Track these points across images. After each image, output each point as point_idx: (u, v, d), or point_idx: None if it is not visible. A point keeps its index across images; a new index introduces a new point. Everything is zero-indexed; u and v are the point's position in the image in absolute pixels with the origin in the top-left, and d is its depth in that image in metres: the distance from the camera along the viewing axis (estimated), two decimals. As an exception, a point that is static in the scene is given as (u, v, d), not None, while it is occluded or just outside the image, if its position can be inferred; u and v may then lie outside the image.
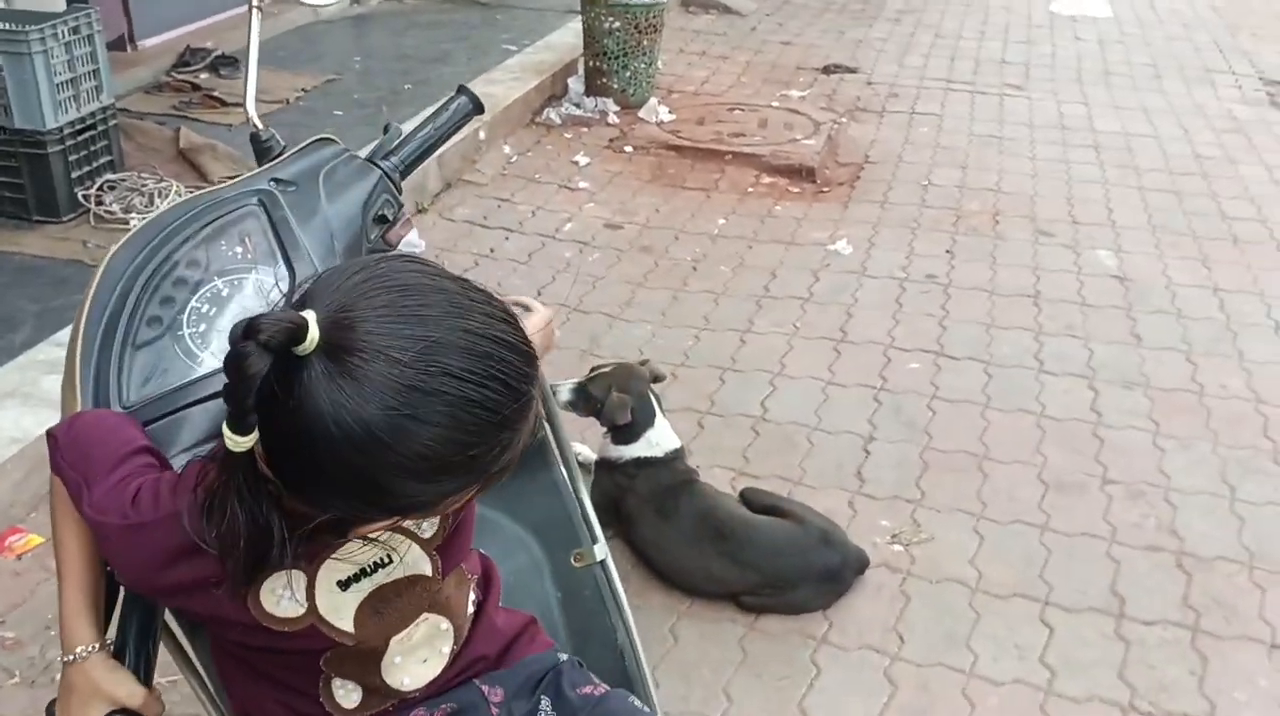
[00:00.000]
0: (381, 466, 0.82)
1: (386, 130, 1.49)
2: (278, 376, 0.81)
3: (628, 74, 5.43)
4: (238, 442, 0.84)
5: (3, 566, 2.40)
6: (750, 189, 4.71)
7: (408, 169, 1.45)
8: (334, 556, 0.99)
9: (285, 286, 1.24)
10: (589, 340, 3.44)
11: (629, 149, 5.05)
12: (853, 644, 2.30)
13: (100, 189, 3.75)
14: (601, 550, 1.60)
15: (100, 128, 3.78)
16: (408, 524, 1.04)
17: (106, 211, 3.68)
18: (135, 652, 1.08)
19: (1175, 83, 6.32)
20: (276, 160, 1.39)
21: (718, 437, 2.98)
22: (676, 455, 2.45)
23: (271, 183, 1.35)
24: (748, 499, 2.53)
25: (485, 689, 1.18)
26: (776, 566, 2.34)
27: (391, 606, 1.05)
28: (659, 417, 2.44)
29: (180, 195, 3.80)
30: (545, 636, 1.31)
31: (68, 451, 1.10)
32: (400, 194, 1.45)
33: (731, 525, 2.37)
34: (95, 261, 3.38)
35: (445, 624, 1.13)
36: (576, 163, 4.86)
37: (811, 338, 3.51)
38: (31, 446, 2.55)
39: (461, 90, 1.48)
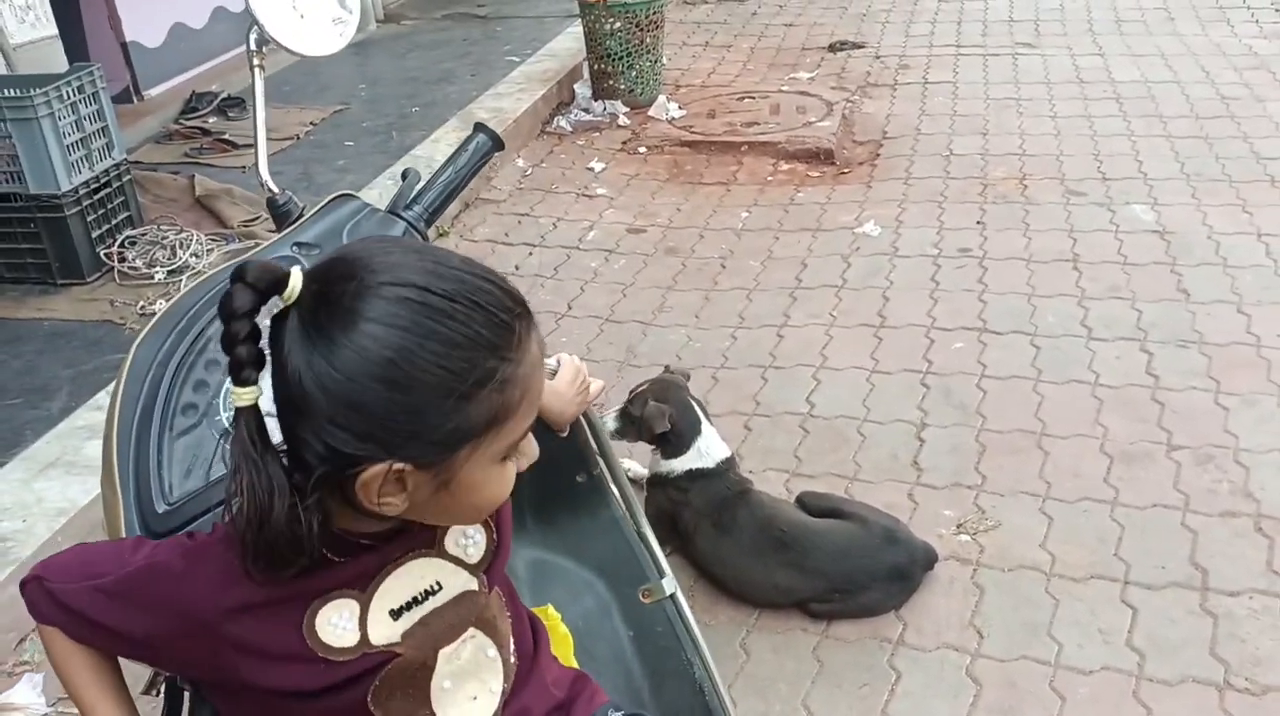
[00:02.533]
0: (375, 395, 0.84)
1: (405, 177, 1.43)
2: (272, 336, 0.87)
3: (634, 73, 5.37)
4: (239, 395, 0.88)
5: (63, 641, 2.38)
6: (770, 178, 4.64)
7: (432, 217, 1.40)
8: (384, 582, 0.98)
9: None
10: (624, 350, 3.39)
11: (643, 149, 4.99)
12: (930, 643, 2.23)
13: (122, 245, 3.73)
14: (670, 583, 1.55)
15: (115, 184, 3.77)
16: (454, 550, 1.03)
17: (130, 267, 3.67)
18: None
19: (1190, 24, 6.18)
20: (296, 224, 1.34)
21: (767, 439, 2.92)
22: (728, 464, 2.40)
23: (294, 248, 1.30)
24: (806, 503, 2.47)
25: None
26: (843, 570, 2.28)
27: (439, 617, 1.02)
28: (705, 425, 2.39)
29: (203, 244, 3.79)
30: (602, 693, 1.25)
31: (63, 572, 1.02)
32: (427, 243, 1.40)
33: (793, 532, 2.31)
34: (124, 320, 3.40)
35: (491, 650, 1.08)
36: (592, 169, 4.80)
37: (850, 326, 3.44)
38: (80, 515, 2.54)
39: (479, 128, 1.43)
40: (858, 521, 2.34)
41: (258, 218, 4.08)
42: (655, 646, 1.53)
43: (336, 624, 0.96)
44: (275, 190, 1.45)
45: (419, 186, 1.41)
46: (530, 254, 4.09)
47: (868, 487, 2.68)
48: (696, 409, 2.40)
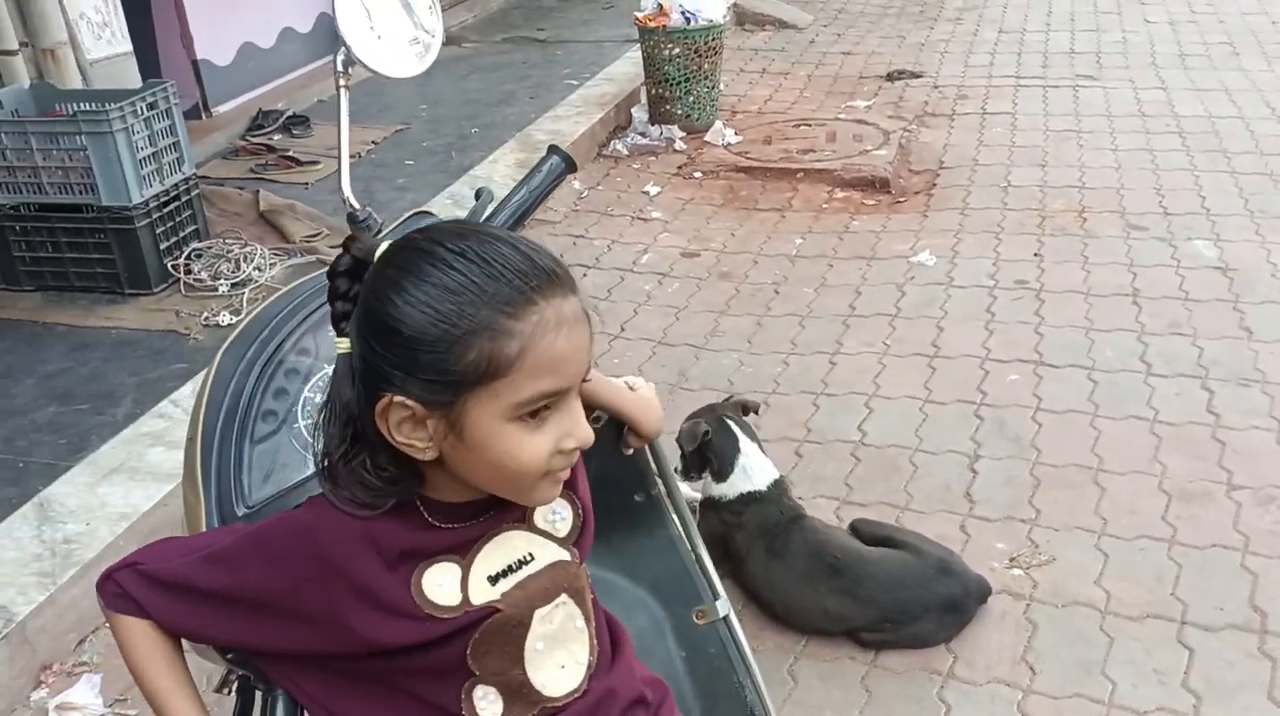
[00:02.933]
0: (378, 329, 0.95)
1: (479, 196, 1.47)
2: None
3: (691, 99, 5.41)
4: (339, 344, 0.99)
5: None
6: (824, 205, 4.64)
7: (508, 234, 1.43)
8: (482, 550, 1.06)
9: None
10: (677, 373, 3.40)
11: (698, 174, 5.02)
12: (981, 677, 2.21)
13: (188, 258, 3.82)
14: (724, 605, 1.56)
15: (184, 198, 3.86)
16: (543, 525, 1.11)
17: (195, 280, 3.76)
18: None
19: (1255, 59, 6.11)
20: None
21: (818, 466, 2.91)
22: (780, 488, 2.39)
23: None
24: (859, 531, 2.46)
25: None
26: (895, 600, 2.26)
27: (534, 581, 1.08)
28: (744, 442, 2.39)
29: (266, 258, 3.87)
30: (675, 708, 1.26)
31: (158, 556, 1.08)
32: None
33: (845, 560, 2.31)
34: (188, 330, 3.48)
35: (580, 621, 1.12)
36: (647, 192, 4.84)
37: (904, 355, 3.42)
38: (141, 520, 2.59)
39: (553, 150, 1.46)
40: (912, 551, 2.33)
41: (319, 233, 4.16)
42: (708, 668, 1.54)
43: (440, 584, 1.03)
44: (356, 206, 1.49)
45: (493, 206, 1.43)
46: (584, 275, 4.12)
47: (919, 518, 2.67)
48: (736, 429, 2.41)
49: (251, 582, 1.02)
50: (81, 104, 3.78)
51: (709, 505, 2.45)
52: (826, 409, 3.17)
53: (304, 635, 1.03)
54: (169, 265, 3.78)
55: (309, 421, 1.17)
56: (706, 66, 5.38)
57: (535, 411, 0.96)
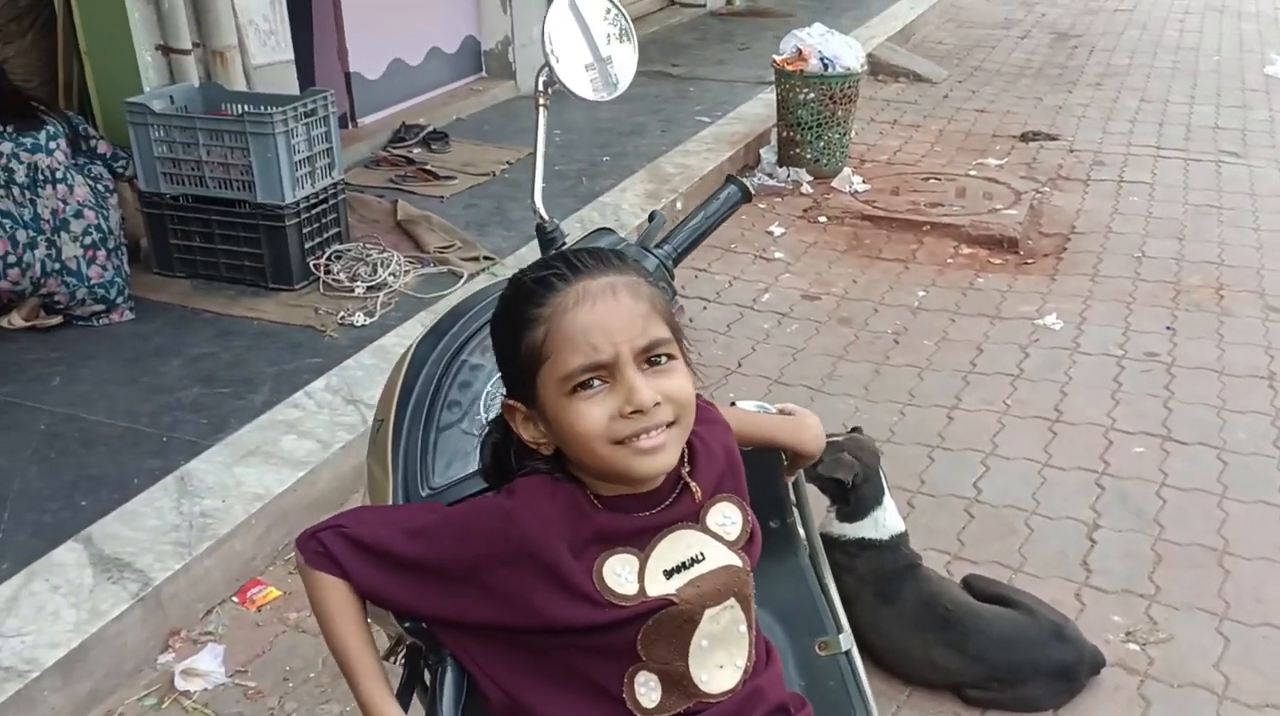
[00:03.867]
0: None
1: (652, 218, 1.53)
2: None
3: (821, 144, 5.44)
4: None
5: (244, 617, 2.54)
6: (949, 260, 4.62)
7: (680, 256, 1.48)
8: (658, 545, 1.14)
9: None
10: (792, 413, 3.41)
11: (823, 219, 5.04)
12: (1089, 749, 2.16)
13: (329, 258, 3.99)
14: (847, 640, 1.56)
15: (331, 201, 4.04)
16: (714, 527, 1.18)
17: (334, 280, 3.92)
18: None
19: None
20: (561, 249, 1.45)
21: (930, 518, 2.89)
22: (901, 540, 2.38)
23: None
24: (972, 586, 2.43)
25: None
26: (1006, 659, 2.23)
27: (707, 580, 1.15)
28: (887, 498, 2.38)
29: (401, 265, 4.02)
30: None
31: (360, 522, 1.17)
32: (673, 280, 1.49)
33: (958, 612, 2.29)
34: (324, 327, 3.62)
35: (743, 626, 1.18)
36: (771, 232, 4.88)
37: (1024, 416, 3.38)
38: (273, 503, 2.71)
39: (731, 179, 1.51)
40: (1026, 612, 2.30)
41: (452, 245, 4.29)
42: (826, 700, 1.54)
43: (620, 573, 1.11)
44: (545, 218, 1.57)
45: (667, 228, 1.49)
46: (704, 308, 4.17)
47: (1033, 582, 2.62)
48: (883, 480, 2.40)
49: (448, 556, 1.11)
50: (244, 105, 3.99)
51: (824, 541, 2.44)
52: (942, 463, 3.15)
53: (488, 609, 1.11)
54: (311, 264, 3.94)
55: (489, 414, 1.24)
56: (840, 113, 5.41)
57: (585, 382, 1.06)
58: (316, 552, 1.15)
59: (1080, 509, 2.92)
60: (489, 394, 1.26)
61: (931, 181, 5.42)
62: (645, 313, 1.08)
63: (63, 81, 4.46)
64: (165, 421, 3.04)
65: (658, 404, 1.07)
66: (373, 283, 3.91)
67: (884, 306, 4.19)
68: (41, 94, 4.28)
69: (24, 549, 2.49)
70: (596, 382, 1.06)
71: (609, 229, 1.46)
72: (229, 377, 3.30)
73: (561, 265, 1.11)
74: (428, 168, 5.20)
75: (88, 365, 3.38)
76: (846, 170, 5.48)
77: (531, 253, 4.32)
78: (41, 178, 3.54)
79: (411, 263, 4.10)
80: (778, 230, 4.90)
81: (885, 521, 2.36)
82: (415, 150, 5.48)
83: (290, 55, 4.87)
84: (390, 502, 1.25)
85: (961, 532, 2.83)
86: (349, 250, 4.08)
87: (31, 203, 3.52)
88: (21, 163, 3.51)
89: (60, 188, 3.57)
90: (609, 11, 1.67)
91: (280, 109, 3.76)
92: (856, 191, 5.30)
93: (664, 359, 1.09)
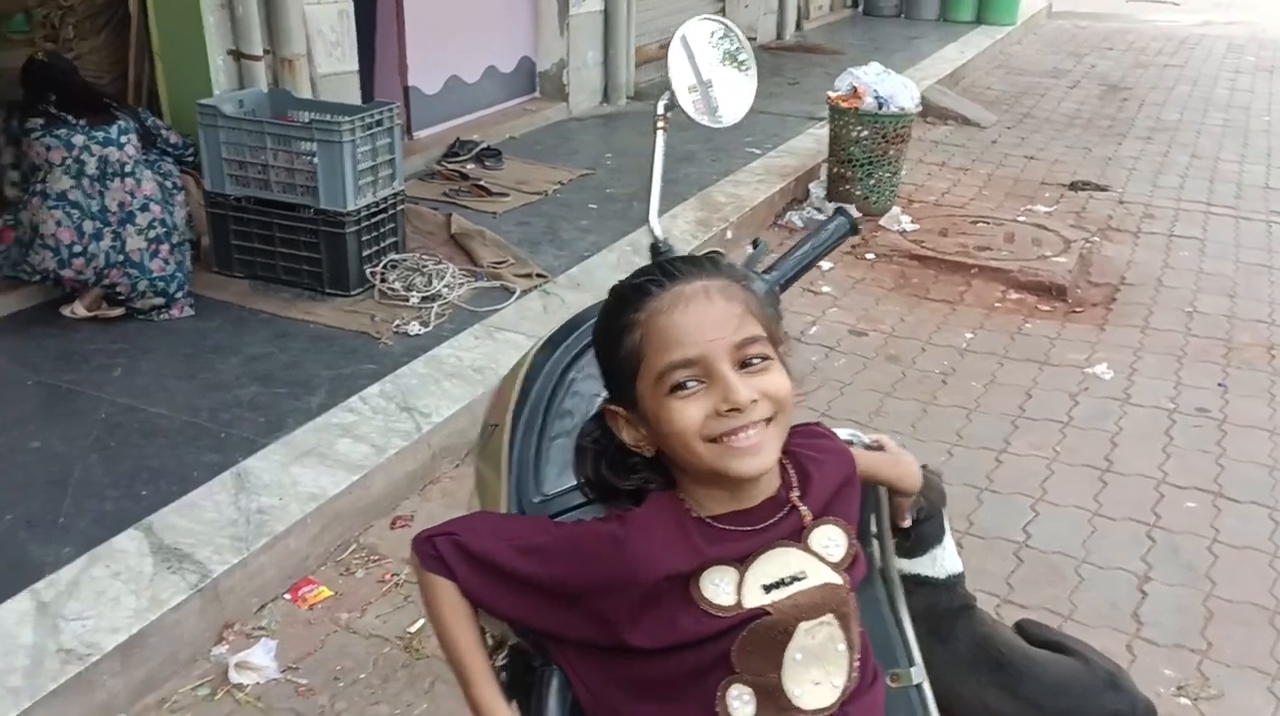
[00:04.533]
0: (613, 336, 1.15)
1: (756, 245, 1.55)
2: None
3: (871, 182, 5.47)
4: None
5: (296, 615, 2.56)
6: (997, 304, 4.61)
7: (787, 283, 1.50)
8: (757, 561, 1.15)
9: None
10: (840, 447, 3.41)
11: (871, 256, 5.05)
12: (1141, 802, 2.14)
13: (385, 267, 4.03)
14: (919, 673, 1.57)
15: (390, 211, 4.09)
16: (817, 547, 1.18)
17: (389, 288, 3.96)
18: None
19: None
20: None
21: (979, 560, 2.88)
22: (958, 580, 2.37)
23: None
24: (1024, 630, 2.41)
25: None
26: (1058, 706, 2.21)
27: (805, 596, 1.15)
28: (948, 537, 2.38)
29: (455, 277, 4.05)
30: None
31: (473, 532, 1.18)
32: (779, 306, 1.50)
33: (1010, 655, 2.27)
34: (379, 334, 3.65)
35: (842, 644, 1.17)
36: (819, 267, 4.89)
37: (1074, 464, 3.37)
38: (327, 504, 2.74)
39: (839, 211, 1.53)
40: (1079, 659, 2.28)
41: (505, 261, 4.33)
42: (896, 733, 1.54)
43: (718, 584, 1.13)
44: (659, 237, 1.59)
45: (774, 255, 1.51)
46: (753, 338, 4.17)
47: (1083, 630, 2.61)
48: (945, 519, 2.39)
49: (556, 578, 1.14)
50: (309, 113, 4.05)
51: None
52: (990, 506, 3.14)
53: (589, 628, 1.13)
54: (368, 272, 3.99)
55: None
56: (892, 152, 5.44)
57: (682, 382, 1.09)
58: (430, 555, 1.18)
59: (1131, 560, 2.90)
60: (599, 405, 1.27)
61: (980, 225, 5.43)
62: (739, 313, 1.11)
63: (133, 80, 4.55)
64: (224, 418, 3.08)
65: (754, 401, 1.09)
66: (427, 293, 3.94)
67: (931, 346, 4.19)
68: (111, 90, 4.37)
69: (85, 535, 2.52)
70: (693, 383, 1.09)
71: (718, 251, 1.48)
72: (285, 378, 3.33)
73: (657, 272, 1.15)
74: (481, 183, 5.26)
75: (148, 358, 3.42)
76: (895, 209, 5.50)
77: (583, 273, 4.38)
78: (111, 171, 3.61)
79: (466, 276, 4.13)
80: (825, 265, 4.91)
81: (944, 561, 2.35)
82: (469, 165, 5.53)
83: (355, 66, 4.96)
84: (503, 506, 1.27)
85: (1010, 576, 2.82)
86: (405, 260, 4.12)
87: (100, 194, 3.58)
88: (93, 155, 3.57)
89: (129, 181, 3.63)
90: (714, 34, 1.69)
91: (348, 118, 3.82)
92: (905, 231, 5.32)
93: (758, 360, 1.11)
